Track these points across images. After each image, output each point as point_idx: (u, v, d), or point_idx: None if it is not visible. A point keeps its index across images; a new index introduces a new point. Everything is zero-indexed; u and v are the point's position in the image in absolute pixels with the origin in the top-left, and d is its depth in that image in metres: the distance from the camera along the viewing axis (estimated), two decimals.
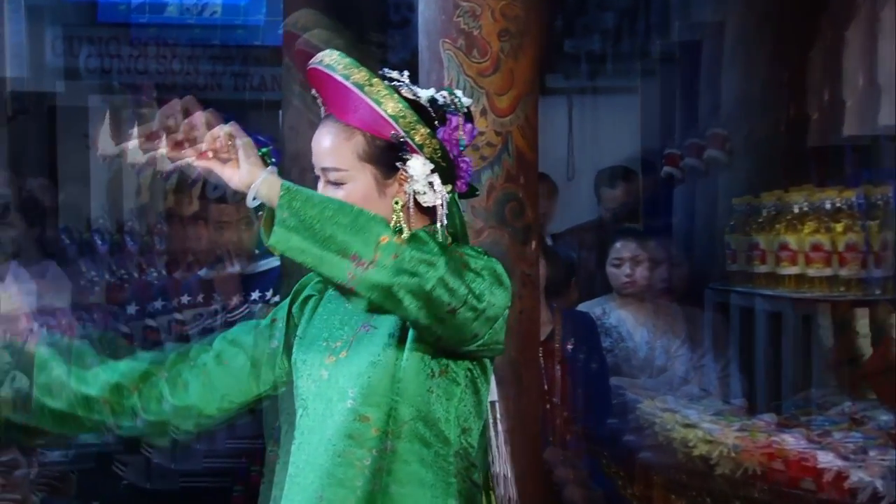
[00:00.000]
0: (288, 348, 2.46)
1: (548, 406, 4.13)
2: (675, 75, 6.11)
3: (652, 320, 4.78)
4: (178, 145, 2.23)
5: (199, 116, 2.23)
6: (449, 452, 2.32)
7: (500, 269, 2.28)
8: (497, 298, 2.25)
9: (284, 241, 2.15)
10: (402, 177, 2.34)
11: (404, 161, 2.33)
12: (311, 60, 2.37)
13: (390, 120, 2.30)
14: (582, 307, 4.79)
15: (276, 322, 2.51)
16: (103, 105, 7.06)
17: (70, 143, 7.18)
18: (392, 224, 2.24)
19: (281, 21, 5.22)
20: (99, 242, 6.59)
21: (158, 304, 4.98)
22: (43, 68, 7.21)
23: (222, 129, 2.23)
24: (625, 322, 4.74)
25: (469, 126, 2.39)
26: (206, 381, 2.48)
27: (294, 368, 2.43)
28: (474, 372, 2.34)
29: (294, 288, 2.53)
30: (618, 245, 4.86)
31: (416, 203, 2.35)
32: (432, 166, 2.34)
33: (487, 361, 2.37)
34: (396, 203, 2.31)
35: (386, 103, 2.30)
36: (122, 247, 6.29)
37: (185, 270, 5.30)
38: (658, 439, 4.10)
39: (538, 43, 3.51)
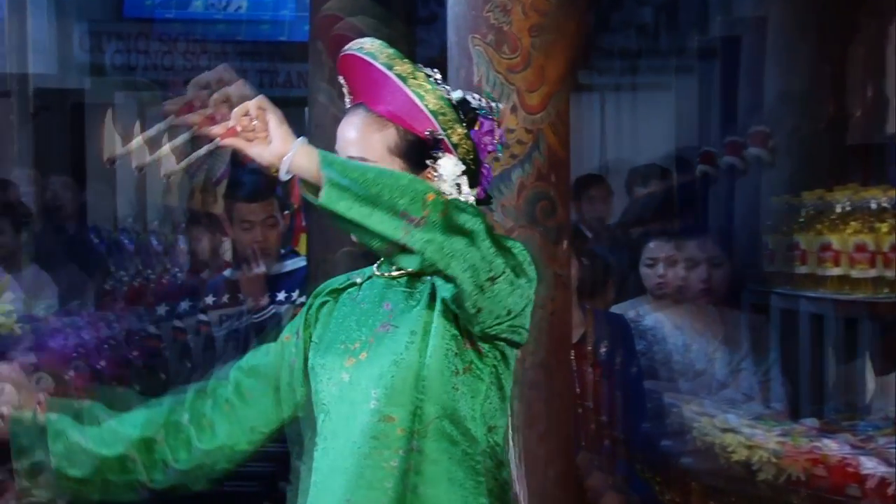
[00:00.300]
0: (306, 362, 2.44)
1: (580, 410, 4.11)
2: (712, 72, 6.10)
3: (689, 322, 4.74)
4: (208, 120, 2.20)
5: (234, 89, 2.21)
6: (476, 451, 2.30)
7: (528, 252, 2.28)
8: (529, 278, 2.24)
9: (335, 200, 2.11)
10: (430, 175, 2.32)
11: (435, 159, 2.32)
12: (349, 46, 2.34)
13: (430, 116, 2.28)
14: (615, 309, 4.76)
15: (290, 339, 2.47)
16: (129, 101, 7.05)
17: (97, 141, 7.18)
18: None
19: (307, 17, 5.18)
20: (126, 242, 6.59)
21: (185, 304, 5.00)
22: (69, 65, 7.22)
23: (252, 104, 2.18)
24: (661, 324, 4.70)
25: (500, 132, 2.39)
26: (231, 418, 2.45)
27: (312, 374, 2.41)
28: (499, 368, 2.32)
29: (307, 300, 2.51)
30: (651, 245, 4.83)
31: None
32: (463, 167, 2.33)
33: (511, 358, 2.35)
34: None
35: (428, 98, 2.28)
36: (148, 247, 6.33)
37: (212, 271, 5.34)
38: (696, 444, 4.09)
39: (571, 39, 3.48)
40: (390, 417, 2.28)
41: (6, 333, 4.81)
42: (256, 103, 2.17)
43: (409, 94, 2.27)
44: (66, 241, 6.23)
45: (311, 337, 2.43)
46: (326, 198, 2.12)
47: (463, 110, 2.33)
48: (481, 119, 2.35)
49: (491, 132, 2.36)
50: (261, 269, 4.63)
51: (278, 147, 2.16)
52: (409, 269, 2.33)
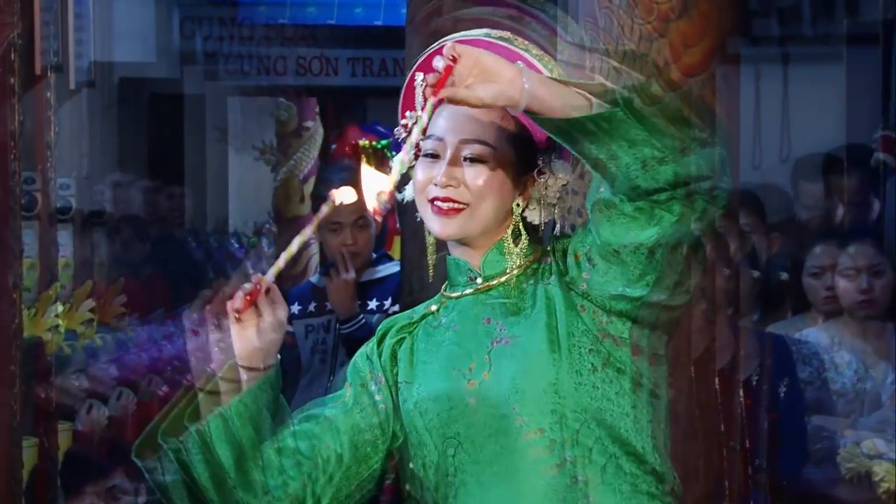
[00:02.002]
0: (395, 406, 2.41)
1: (725, 451, 3.79)
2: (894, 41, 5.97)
3: (861, 344, 4.55)
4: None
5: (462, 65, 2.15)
6: (636, 465, 2.31)
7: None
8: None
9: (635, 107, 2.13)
10: (532, 180, 2.35)
11: (550, 163, 2.35)
12: (473, 32, 2.34)
13: None
14: (774, 328, 4.52)
15: (364, 388, 2.41)
16: (218, 91, 7.05)
17: (196, 137, 7.17)
18: (511, 229, 2.32)
19: None
20: (237, 247, 6.43)
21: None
22: (160, 52, 7.32)
23: (447, 50, 2.15)
24: (827, 347, 4.49)
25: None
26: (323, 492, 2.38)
27: (413, 414, 2.37)
28: (640, 368, 2.30)
29: (369, 345, 2.45)
30: (818, 251, 4.64)
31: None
32: (567, 181, 2.37)
33: (664, 355, 2.33)
34: (517, 206, 2.33)
35: None
36: (259, 251, 6.46)
37: (297, 277, 5.40)
38: (876, 493, 3.97)
39: None
40: (537, 430, 2.29)
41: (87, 343, 4.96)
42: (450, 50, 2.15)
43: None
44: (168, 246, 6.32)
45: (395, 379, 2.41)
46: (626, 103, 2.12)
47: None
48: None
49: None
50: (350, 274, 4.58)
51: (508, 75, 2.13)
52: (501, 278, 2.34)
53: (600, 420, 2.29)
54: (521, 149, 2.33)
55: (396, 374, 2.41)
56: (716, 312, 3.42)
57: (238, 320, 2.26)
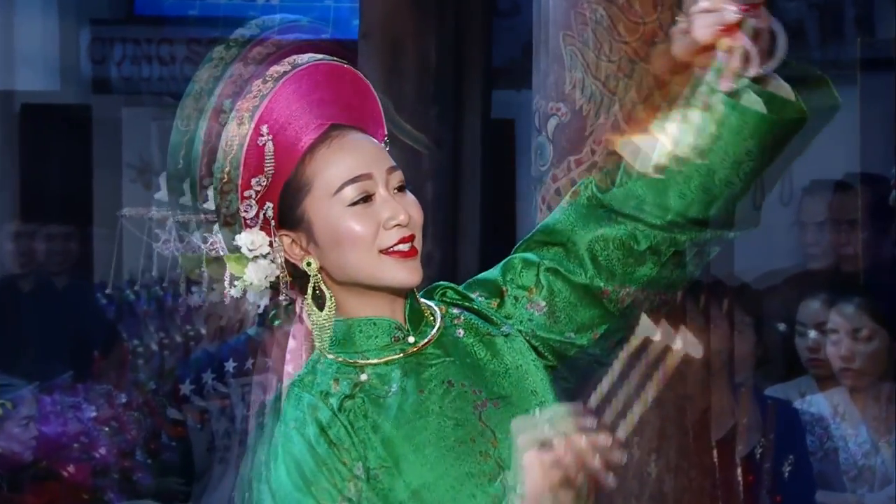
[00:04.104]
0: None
1: None
2: None
3: (872, 411, 4.44)
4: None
5: None
6: None
7: None
8: None
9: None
10: None
11: None
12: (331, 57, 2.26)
13: None
14: (773, 392, 4.40)
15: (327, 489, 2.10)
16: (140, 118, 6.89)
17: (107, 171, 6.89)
18: None
19: (357, 9, 4.89)
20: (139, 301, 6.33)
21: (209, 376, 4.89)
22: (69, 77, 7.11)
23: None
24: (833, 413, 4.39)
25: None
26: None
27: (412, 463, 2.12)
28: None
29: (304, 439, 2.11)
30: (805, 306, 4.53)
31: None
32: None
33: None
34: None
35: None
36: (162, 304, 6.10)
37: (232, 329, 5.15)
38: None
39: None
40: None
41: None
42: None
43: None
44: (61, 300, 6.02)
45: (368, 460, 2.13)
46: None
47: None
48: None
49: None
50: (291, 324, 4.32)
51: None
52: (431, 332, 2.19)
53: None
54: None
55: (365, 458, 2.13)
56: (712, 373, 3.41)
57: None
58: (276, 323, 2.25)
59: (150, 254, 2.21)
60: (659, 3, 3.16)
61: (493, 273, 2.26)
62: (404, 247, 2.10)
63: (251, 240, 2.09)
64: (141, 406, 4.86)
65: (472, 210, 5.07)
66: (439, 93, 4.96)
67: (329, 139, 2.13)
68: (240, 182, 2.09)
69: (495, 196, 5.36)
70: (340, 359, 2.13)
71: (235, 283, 2.13)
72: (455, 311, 2.21)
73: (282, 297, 2.16)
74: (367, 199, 2.11)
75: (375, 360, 2.15)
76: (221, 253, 2.14)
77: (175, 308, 5.84)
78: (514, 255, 2.26)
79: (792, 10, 6.61)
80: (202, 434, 4.79)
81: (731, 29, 2.11)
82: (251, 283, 2.12)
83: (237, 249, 2.12)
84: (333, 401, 2.11)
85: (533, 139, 3.22)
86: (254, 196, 2.10)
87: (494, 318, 2.21)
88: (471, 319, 2.21)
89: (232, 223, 2.12)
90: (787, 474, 4.02)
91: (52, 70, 7.03)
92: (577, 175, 3.09)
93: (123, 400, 4.79)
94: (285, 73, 2.15)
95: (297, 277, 2.14)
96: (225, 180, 2.10)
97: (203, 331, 5.39)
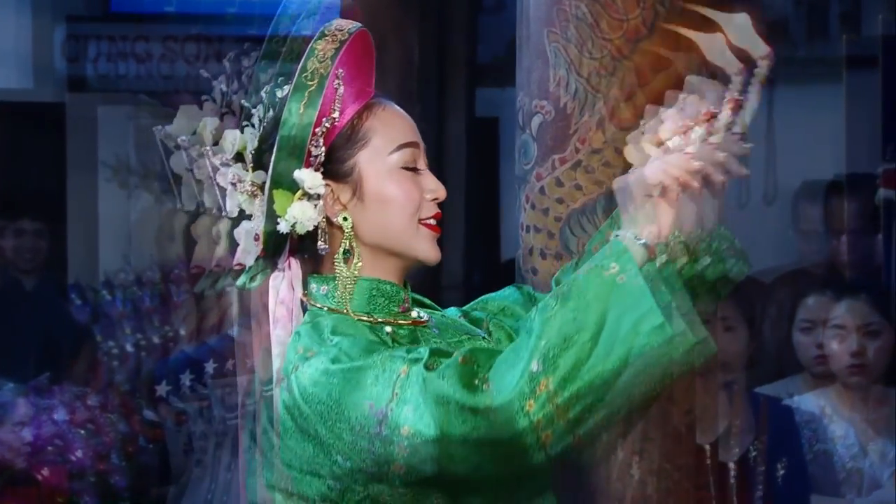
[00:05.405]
0: None
1: None
2: None
3: (861, 413, 4.39)
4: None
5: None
6: None
7: None
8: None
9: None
10: None
11: None
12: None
13: None
14: (764, 391, 4.33)
15: None
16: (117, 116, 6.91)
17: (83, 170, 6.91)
18: None
19: (338, 7, 4.72)
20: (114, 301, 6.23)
21: (187, 378, 4.86)
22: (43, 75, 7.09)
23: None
24: (822, 415, 4.34)
25: None
26: None
27: None
28: None
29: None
30: (810, 302, 4.47)
31: None
32: None
33: None
34: None
35: None
36: (139, 304, 6.06)
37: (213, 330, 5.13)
38: None
39: None
40: None
41: None
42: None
43: None
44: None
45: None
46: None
47: None
48: None
49: None
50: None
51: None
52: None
53: None
54: None
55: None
56: (700, 375, 3.38)
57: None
58: (253, 286, 2.23)
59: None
60: (641, 0, 3.15)
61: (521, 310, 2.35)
62: (435, 222, 2.17)
63: (312, 177, 2.10)
64: (117, 408, 4.88)
65: (455, 207, 5.09)
66: (423, 90, 4.97)
67: (382, 103, 2.20)
68: (315, 117, 2.11)
69: (479, 194, 5.38)
70: (357, 316, 2.15)
71: (279, 220, 2.11)
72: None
73: (279, 262, 2.17)
74: (413, 168, 2.18)
75: (392, 320, 2.18)
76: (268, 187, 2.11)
77: (153, 308, 5.86)
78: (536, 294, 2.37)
79: (777, 7, 6.62)
80: (179, 436, 4.79)
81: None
82: (297, 222, 2.11)
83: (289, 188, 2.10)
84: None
85: (517, 137, 3.24)
86: (321, 134, 2.12)
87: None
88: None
89: (297, 157, 2.12)
90: (780, 477, 4.01)
91: (26, 68, 7.05)
92: (561, 174, 3.11)
93: (97, 402, 4.81)
94: (350, 30, 2.20)
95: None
96: (302, 112, 2.13)
97: (182, 332, 5.41)
